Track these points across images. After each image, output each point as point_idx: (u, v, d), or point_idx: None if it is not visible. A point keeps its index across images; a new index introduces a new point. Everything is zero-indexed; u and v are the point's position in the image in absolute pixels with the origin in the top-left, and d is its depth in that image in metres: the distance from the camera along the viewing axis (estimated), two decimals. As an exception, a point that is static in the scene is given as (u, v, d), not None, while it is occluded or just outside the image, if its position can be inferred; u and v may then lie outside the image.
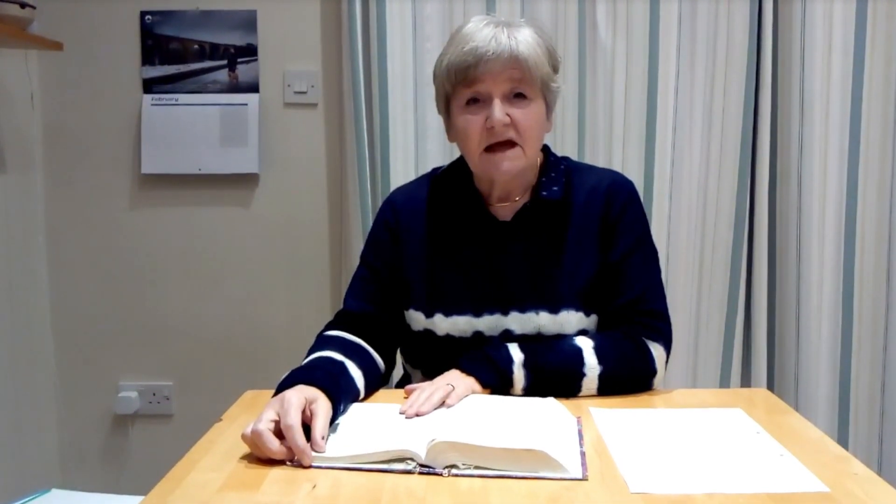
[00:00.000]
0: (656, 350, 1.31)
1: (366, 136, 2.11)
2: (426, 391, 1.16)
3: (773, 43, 2.08)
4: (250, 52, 2.21)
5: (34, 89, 2.22)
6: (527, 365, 1.24)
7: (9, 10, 1.90)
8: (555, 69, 1.34)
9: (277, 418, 1.02)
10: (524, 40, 1.27)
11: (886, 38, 2.07)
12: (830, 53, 2.06)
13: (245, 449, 1.02)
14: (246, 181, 2.26)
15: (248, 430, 1.01)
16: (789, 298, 2.13)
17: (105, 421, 2.35)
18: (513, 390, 1.24)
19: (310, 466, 0.98)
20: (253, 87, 2.22)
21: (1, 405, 2.10)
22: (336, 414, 1.09)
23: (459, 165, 1.41)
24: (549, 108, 1.35)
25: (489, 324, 1.34)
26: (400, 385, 1.48)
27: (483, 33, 1.26)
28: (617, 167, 2.09)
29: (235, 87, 2.22)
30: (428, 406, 1.12)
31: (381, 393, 1.30)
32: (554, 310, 1.32)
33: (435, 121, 2.04)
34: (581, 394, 1.26)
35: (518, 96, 1.29)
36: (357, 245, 2.05)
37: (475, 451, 0.95)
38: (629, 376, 1.29)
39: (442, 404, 1.15)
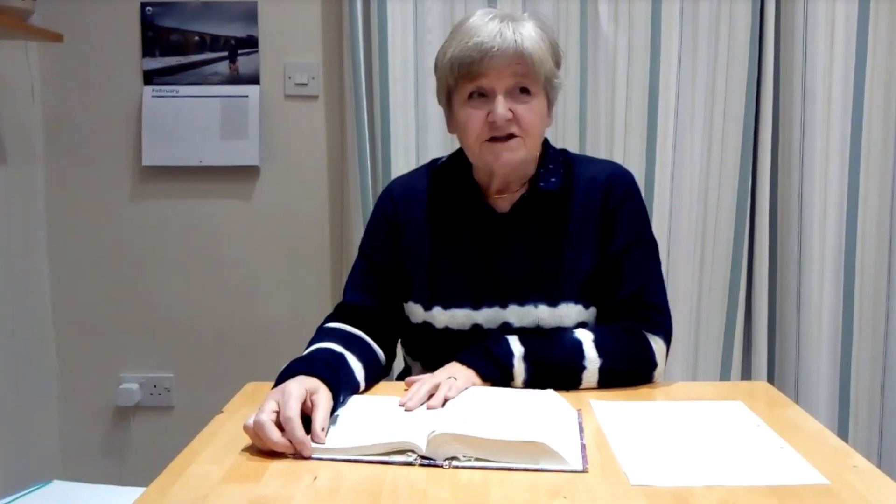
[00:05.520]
0: (656, 343, 1.31)
1: (366, 129, 2.11)
2: (427, 383, 1.16)
3: (776, 38, 2.08)
4: (251, 43, 2.21)
5: (34, 81, 2.22)
6: (527, 358, 1.24)
7: (9, 2, 1.90)
8: (557, 64, 1.34)
9: (279, 409, 1.02)
10: (529, 36, 1.27)
11: (888, 38, 2.07)
12: (832, 50, 2.06)
13: (246, 441, 1.02)
14: (246, 173, 2.26)
15: (250, 422, 1.01)
16: (790, 292, 2.13)
17: (106, 413, 2.35)
18: (513, 384, 1.24)
19: (310, 458, 0.98)
20: (253, 79, 2.22)
21: (2, 397, 2.10)
22: (336, 405, 1.09)
23: (459, 157, 1.40)
24: (550, 103, 1.35)
25: (488, 317, 1.33)
26: (401, 377, 1.48)
27: (488, 28, 1.26)
28: (618, 161, 2.08)
29: (236, 79, 2.22)
30: (436, 402, 1.12)
31: (382, 385, 1.30)
32: (553, 303, 1.32)
33: (435, 113, 2.04)
34: (581, 387, 1.26)
35: (521, 91, 1.28)
36: (357, 237, 2.04)
37: (476, 443, 0.96)
38: (629, 369, 1.29)
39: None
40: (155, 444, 2.33)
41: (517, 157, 1.30)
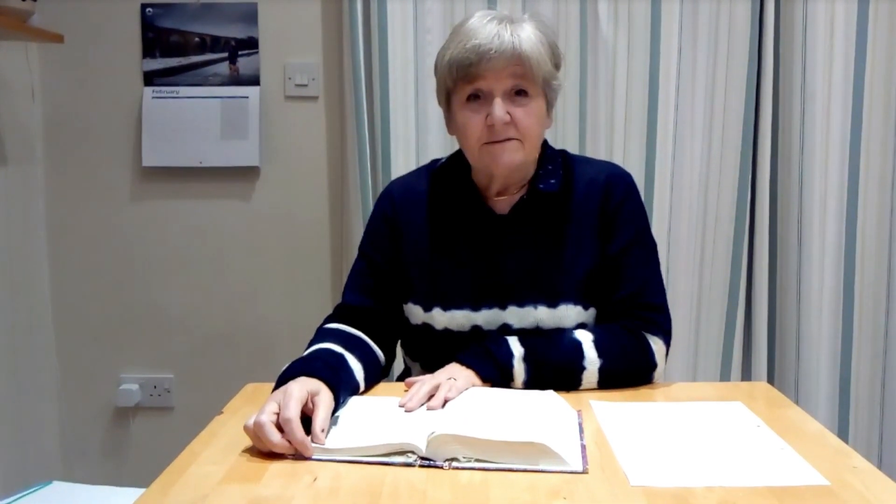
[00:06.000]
0: (656, 344, 1.31)
1: (367, 129, 2.11)
2: (426, 384, 1.16)
3: (775, 38, 2.08)
4: (251, 44, 2.21)
5: (35, 82, 2.22)
6: (527, 359, 1.24)
7: (9, 3, 1.90)
8: (557, 66, 1.33)
9: (279, 410, 1.02)
10: (527, 38, 1.26)
11: (888, 37, 2.07)
12: (832, 50, 2.06)
13: (246, 442, 1.02)
14: (247, 174, 2.26)
15: (250, 422, 1.01)
16: (790, 292, 2.13)
17: (106, 413, 2.35)
18: (513, 384, 1.24)
19: (310, 459, 0.98)
20: (254, 80, 2.22)
21: (2, 398, 2.10)
22: (336, 406, 1.09)
23: (458, 158, 1.40)
24: (549, 105, 1.35)
25: (487, 318, 1.33)
26: (401, 378, 1.48)
27: (486, 30, 1.26)
28: (618, 161, 2.08)
29: (236, 80, 2.22)
30: (436, 402, 1.12)
31: (382, 386, 1.30)
32: (552, 304, 1.32)
33: (435, 114, 2.04)
34: (581, 387, 1.26)
35: (519, 93, 1.28)
36: (357, 238, 2.04)
37: (476, 444, 0.96)
38: (629, 370, 1.29)
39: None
40: (155, 444, 2.33)
41: (516, 160, 1.30)
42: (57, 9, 2.18)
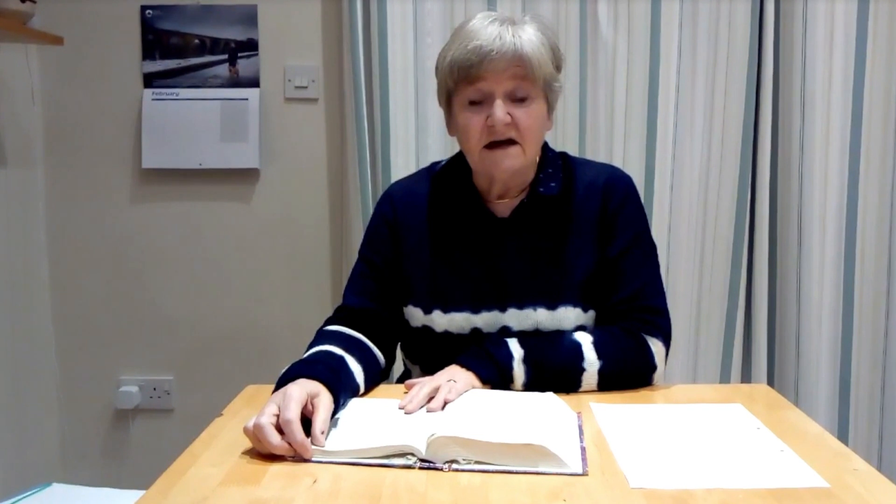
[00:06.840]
0: (655, 346, 1.31)
1: (366, 132, 2.11)
2: (426, 386, 1.16)
3: (775, 39, 2.08)
4: (251, 46, 2.21)
5: (35, 84, 2.22)
6: (527, 361, 1.25)
7: (9, 5, 1.90)
8: (558, 68, 1.34)
9: (279, 412, 1.02)
10: (529, 39, 1.27)
11: (888, 37, 2.07)
12: (832, 50, 2.06)
13: (246, 444, 1.02)
14: (246, 176, 2.26)
15: (250, 424, 1.01)
16: (790, 293, 2.13)
17: (106, 415, 2.35)
18: (513, 386, 1.24)
19: (310, 461, 0.98)
20: (253, 82, 2.22)
21: (2, 400, 2.10)
22: (336, 408, 1.09)
23: (458, 161, 1.40)
24: (550, 108, 1.35)
25: (487, 320, 1.34)
26: (400, 380, 1.48)
27: (488, 31, 1.26)
28: (618, 162, 2.09)
29: (236, 82, 2.22)
30: (436, 404, 1.12)
31: (382, 388, 1.30)
32: (552, 306, 1.32)
33: (435, 116, 2.05)
34: (581, 389, 1.26)
35: (520, 95, 1.28)
36: (357, 240, 2.04)
37: (475, 446, 0.96)
38: (629, 371, 1.29)
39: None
40: (155, 446, 2.33)
41: (517, 164, 1.30)
42: (57, 11, 2.18)
